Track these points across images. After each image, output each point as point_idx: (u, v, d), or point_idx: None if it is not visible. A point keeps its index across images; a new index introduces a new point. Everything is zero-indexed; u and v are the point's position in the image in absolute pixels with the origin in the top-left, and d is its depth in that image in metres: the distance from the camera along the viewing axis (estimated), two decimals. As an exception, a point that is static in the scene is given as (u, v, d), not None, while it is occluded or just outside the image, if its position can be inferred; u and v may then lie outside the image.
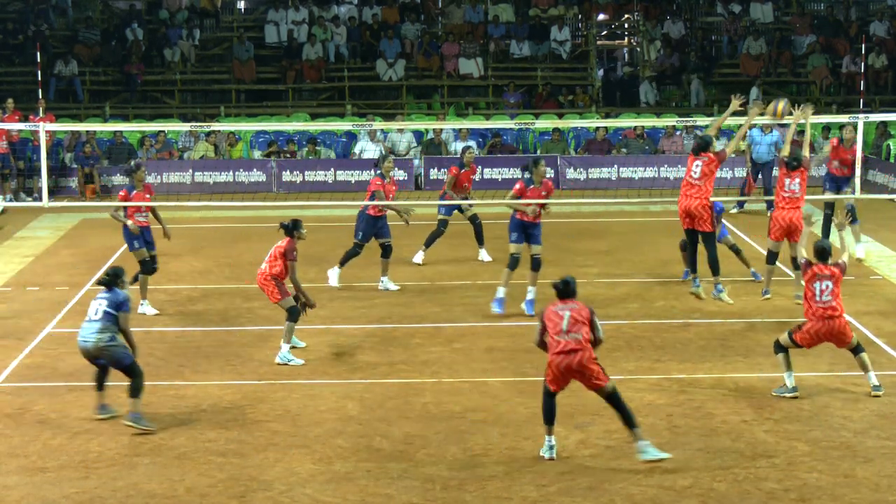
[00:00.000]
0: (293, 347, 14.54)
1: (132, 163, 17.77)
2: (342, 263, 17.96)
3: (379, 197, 17.62)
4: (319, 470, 11.00)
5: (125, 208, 16.54)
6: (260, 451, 11.44)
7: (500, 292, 16.12)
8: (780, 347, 13.01)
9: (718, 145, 26.59)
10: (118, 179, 27.17)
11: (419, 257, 19.47)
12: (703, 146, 15.96)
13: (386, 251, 17.84)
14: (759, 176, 24.44)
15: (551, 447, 11.26)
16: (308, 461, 11.20)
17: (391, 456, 11.33)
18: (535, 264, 16.11)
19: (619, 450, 11.39)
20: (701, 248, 16.03)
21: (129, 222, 16.48)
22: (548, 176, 16.57)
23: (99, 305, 12.12)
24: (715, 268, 16.03)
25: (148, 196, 16.78)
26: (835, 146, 19.71)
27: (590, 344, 11.07)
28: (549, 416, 11.22)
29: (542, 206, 16.05)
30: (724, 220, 17.91)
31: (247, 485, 10.68)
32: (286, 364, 14.10)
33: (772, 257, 16.68)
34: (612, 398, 11.07)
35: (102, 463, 11.18)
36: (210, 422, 12.26)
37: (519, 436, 11.79)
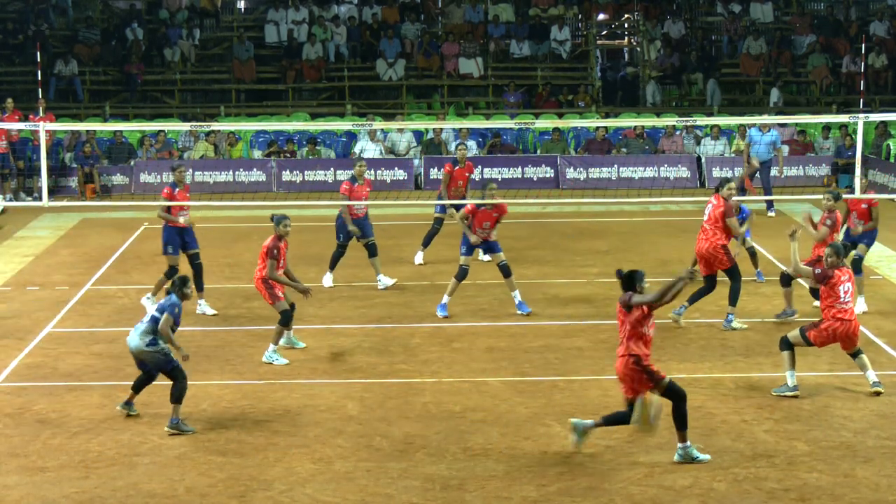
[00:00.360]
0: (291, 348, 14.56)
1: (173, 161, 17.78)
2: (332, 267, 18.13)
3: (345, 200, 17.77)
4: (319, 470, 11.00)
5: (169, 207, 16.53)
6: (260, 451, 11.44)
7: (445, 299, 16.33)
8: (787, 344, 12.97)
9: (719, 145, 26.66)
10: (118, 179, 27.20)
11: (419, 258, 19.49)
12: (720, 184, 15.89)
13: (371, 250, 17.89)
14: (758, 175, 24.43)
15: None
16: (308, 461, 11.20)
17: (391, 456, 11.33)
18: (505, 271, 16.31)
19: (619, 450, 11.39)
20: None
21: (182, 219, 16.65)
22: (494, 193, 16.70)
23: (150, 310, 12.34)
24: (734, 299, 15.67)
25: (187, 195, 16.87)
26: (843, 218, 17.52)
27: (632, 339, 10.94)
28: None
29: (492, 226, 16.40)
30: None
31: (247, 485, 10.68)
32: (271, 363, 14.14)
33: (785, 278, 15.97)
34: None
35: (102, 463, 11.18)
36: (210, 422, 12.26)
37: (519, 436, 11.79)
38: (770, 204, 23.93)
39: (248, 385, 13.44)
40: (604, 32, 37.92)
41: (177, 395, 11.99)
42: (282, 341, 14.44)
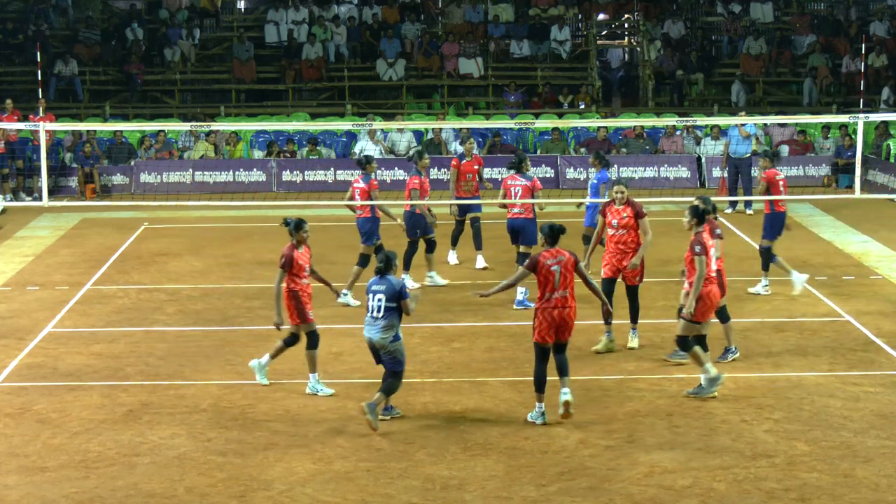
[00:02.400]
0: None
1: (363, 156, 17.88)
2: (406, 267, 17.66)
3: (415, 196, 17.54)
4: (319, 470, 11.00)
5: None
6: (260, 451, 11.44)
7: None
8: (687, 344, 12.73)
9: (719, 145, 26.66)
10: (118, 179, 27.20)
11: (453, 257, 19.37)
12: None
13: (430, 246, 17.88)
14: (738, 175, 24.40)
15: (542, 413, 12.04)
16: (308, 461, 11.20)
17: (391, 456, 11.33)
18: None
19: (619, 450, 11.39)
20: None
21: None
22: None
23: (379, 301, 11.89)
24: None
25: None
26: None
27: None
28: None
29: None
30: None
31: (247, 485, 10.68)
32: (315, 394, 13.08)
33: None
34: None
35: (102, 463, 11.18)
36: (210, 422, 12.26)
37: (519, 436, 11.79)
38: (749, 204, 23.89)
39: (248, 385, 13.44)
40: (604, 33, 37.94)
41: (388, 390, 11.99)
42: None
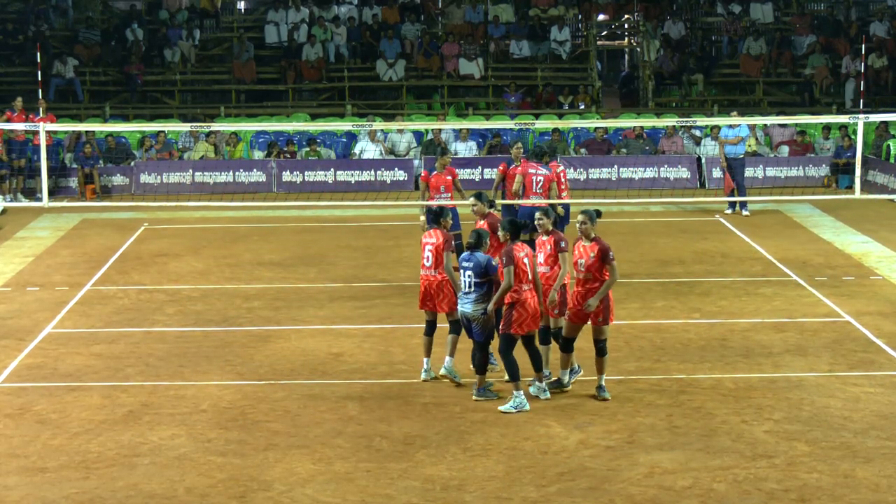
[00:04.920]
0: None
1: (439, 148, 17.93)
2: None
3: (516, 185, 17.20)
4: (319, 470, 11.00)
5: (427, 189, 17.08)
6: (260, 451, 11.43)
7: None
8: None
9: (714, 142, 26.66)
10: (118, 180, 27.20)
11: None
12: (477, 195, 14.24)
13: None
14: (732, 173, 24.36)
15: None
16: (308, 461, 11.20)
17: (391, 456, 11.33)
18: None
19: (619, 450, 11.39)
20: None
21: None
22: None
23: (469, 277, 12.43)
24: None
25: (449, 178, 17.29)
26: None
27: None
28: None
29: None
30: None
31: (247, 485, 10.68)
32: (452, 378, 13.32)
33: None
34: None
35: (102, 463, 11.18)
36: (210, 422, 12.26)
37: (519, 436, 11.79)
38: (744, 205, 23.86)
39: (248, 385, 13.44)
40: (604, 33, 37.95)
41: (481, 366, 12.69)
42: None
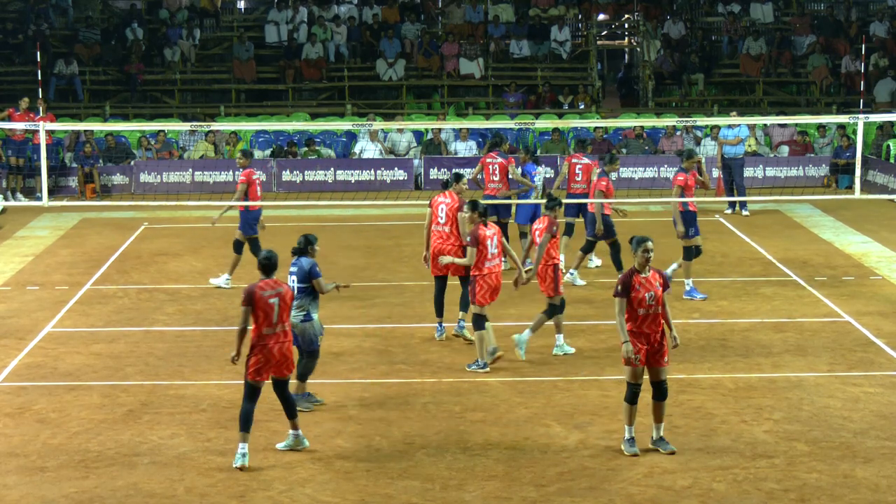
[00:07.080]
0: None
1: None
2: (618, 266, 17.43)
3: (599, 197, 17.63)
4: (319, 470, 11.00)
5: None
6: (260, 451, 11.43)
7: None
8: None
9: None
10: (118, 179, 27.20)
11: (594, 262, 19.23)
12: (454, 178, 15.23)
13: (589, 246, 18.14)
14: (731, 175, 24.31)
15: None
16: (308, 461, 11.20)
17: (391, 456, 11.33)
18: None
19: (619, 450, 11.38)
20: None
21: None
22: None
23: (292, 283, 12.26)
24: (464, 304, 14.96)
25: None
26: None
27: None
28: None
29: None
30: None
31: (247, 485, 10.68)
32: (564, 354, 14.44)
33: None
34: None
35: (102, 463, 11.18)
36: (210, 422, 12.26)
37: (519, 436, 11.79)
38: (744, 205, 23.85)
39: (248, 385, 13.41)
40: (604, 33, 37.93)
41: (302, 375, 12.48)
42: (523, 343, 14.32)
